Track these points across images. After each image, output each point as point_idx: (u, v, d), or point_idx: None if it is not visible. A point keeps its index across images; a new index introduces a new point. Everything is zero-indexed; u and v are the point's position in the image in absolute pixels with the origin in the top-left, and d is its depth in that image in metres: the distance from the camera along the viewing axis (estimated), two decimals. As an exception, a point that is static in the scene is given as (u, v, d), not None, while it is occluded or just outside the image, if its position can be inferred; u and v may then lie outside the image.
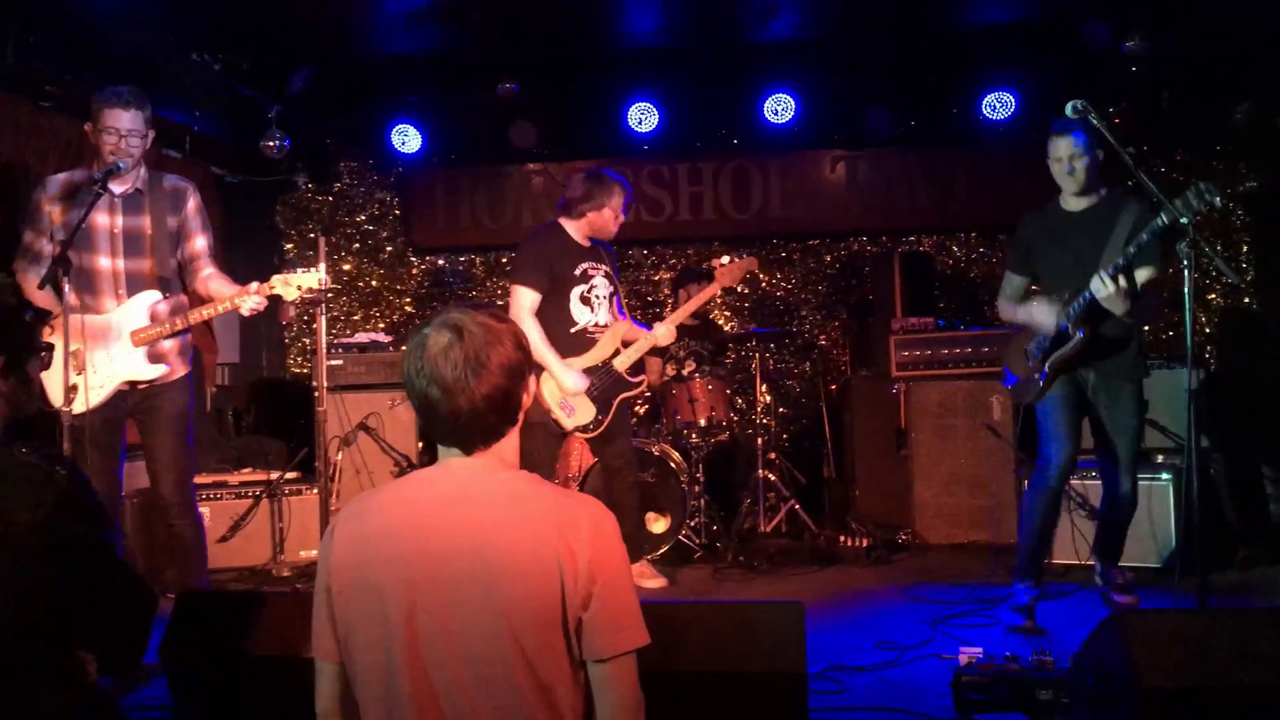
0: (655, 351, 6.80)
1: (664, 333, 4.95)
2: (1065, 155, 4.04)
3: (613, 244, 7.15)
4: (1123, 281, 3.76)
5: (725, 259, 5.10)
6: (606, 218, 4.81)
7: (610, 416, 4.82)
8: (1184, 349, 3.19)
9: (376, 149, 7.58)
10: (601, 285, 4.86)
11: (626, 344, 4.93)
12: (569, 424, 4.75)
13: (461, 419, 1.76)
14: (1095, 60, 6.30)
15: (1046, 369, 4.10)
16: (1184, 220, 3.32)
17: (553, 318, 4.74)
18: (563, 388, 4.69)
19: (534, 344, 4.40)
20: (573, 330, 4.78)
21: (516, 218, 7.55)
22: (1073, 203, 4.16)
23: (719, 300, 7.77)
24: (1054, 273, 4.20)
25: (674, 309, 6.98)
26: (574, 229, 4.84)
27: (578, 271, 4.79)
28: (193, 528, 4.19)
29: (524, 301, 4.70)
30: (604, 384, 4.80)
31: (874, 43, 6.67)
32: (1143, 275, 3.95)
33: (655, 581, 5.09)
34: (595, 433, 4.83)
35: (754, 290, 7.81)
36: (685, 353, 6.51)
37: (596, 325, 4.85)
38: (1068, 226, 4.15)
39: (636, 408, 6.63)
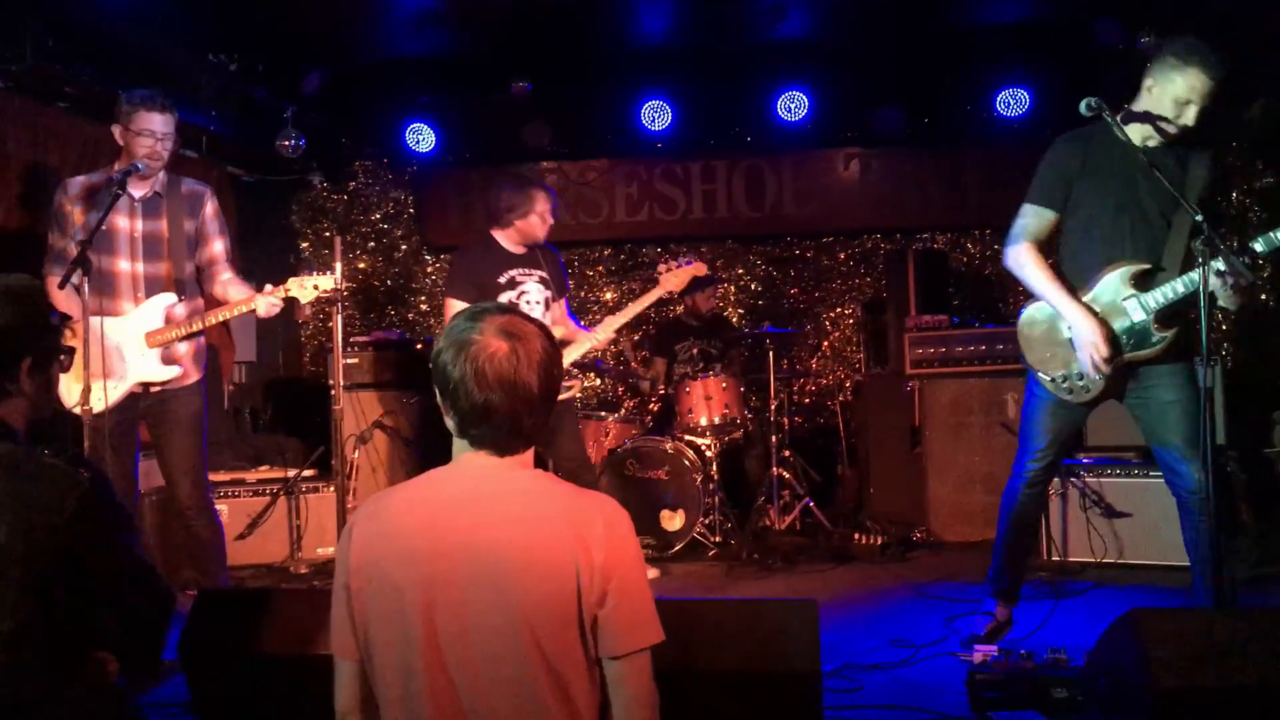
0: (661, 351, 6.84)
1: (602, 337, 5.05)
2: (1201, 98, 3.31)
3: (628, 241, 7.15)
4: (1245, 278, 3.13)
5: (674, 263, 5.17)
6: (534, 223, 4.91)
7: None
8: (1200, 347, 3.14)
9: (391, 148, 7.61)
10: (534, 290, 4.95)
11: (565, 345, 4.97)
12: None
13: (521, 421, 1.79)
14: (1109, 57, 6.27)
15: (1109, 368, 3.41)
16: (1198, 217, 3.20)
17: None
18: None
19: None
20: None
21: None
22: (1137, 135, 3.41)
23: (732, 297, 7.78)
24: (1112, 224, 3.45)
25: (684, 312, 6.99)
26: (504, 238, 4.96)
27: (503, 279, 4.89)
28: (211, 529, 4.22)
29: (453, 313, 4.79)
30: None
31: (887, 40, 6.66)
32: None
33: (650, 571, 5.11)
34: None
35: (768, 288, 7.81)
36: (696, 351, 6.53)
37: None
38: (1136, 166, 3.37)
39: (651, 405, 6.65)
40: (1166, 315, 3.39)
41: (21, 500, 1.80)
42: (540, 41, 6.59)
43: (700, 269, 5.22)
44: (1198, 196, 3.34)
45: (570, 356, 4.99)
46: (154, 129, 3.94)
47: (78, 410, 3.65)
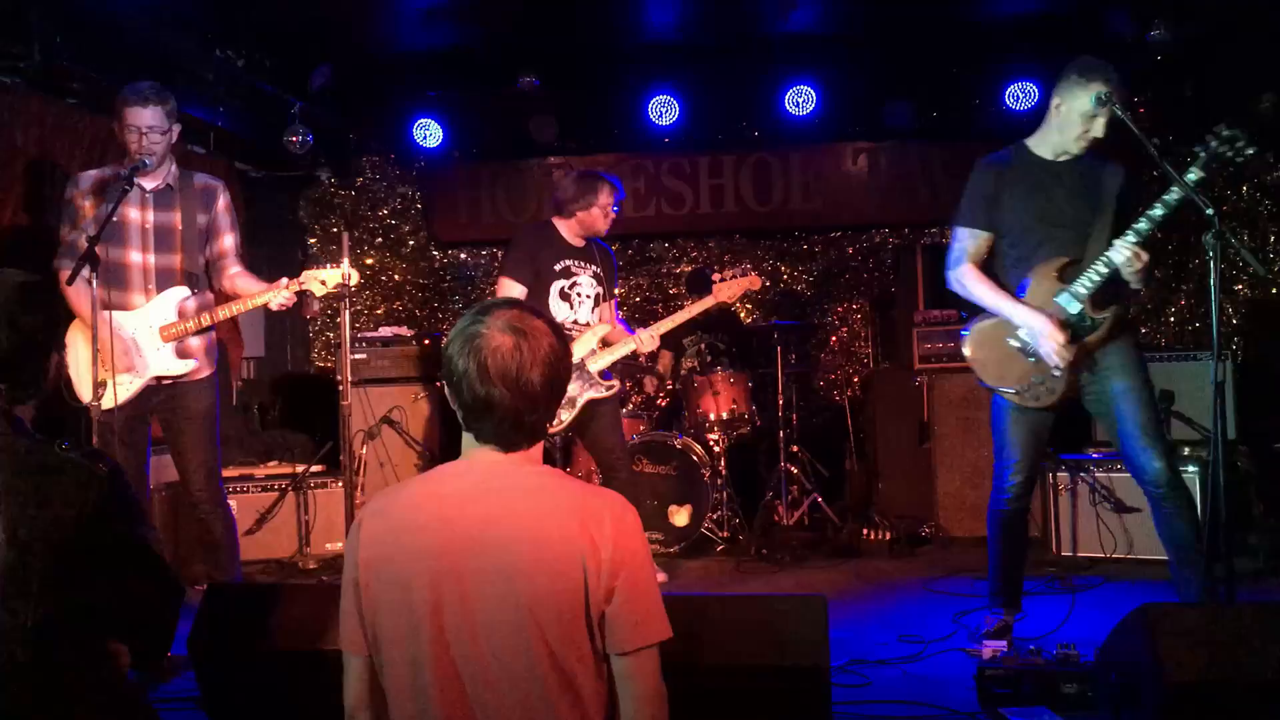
0: (667, 344, 6.83)
1: (646, 340, 4.94)
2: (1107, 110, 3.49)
3: (636, 236, 7.14)
4: (1145, 254, 3.40)
5: (729, 273, 5.10)
6: (595, 215, 4.87)
7: (576, 415, 4.82)
8: (1210, 340, 3.15)
9: (398, 144, 7.60)
10: (586, 284, 4.92)
11: (608, 345, 4.94)
12: None
13: (523, 417, 1.78)
14: (1119, 50, 6.24)
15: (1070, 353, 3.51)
16: (1209, 211, 3.25)
17: None
18: None
19: None
20: None
21: (537, 211, 7.53)
22: (1050, 152, 3.67)
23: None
24: (1037, 233, 3.63)
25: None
26: (565, 228, 4.92)
27: (558, 267, 4.86)
28: (224, 523, 4.23)
29: (506, 291, 4.81)
30: (573, 383, 4.81)
31: (895, 34, 6.64)
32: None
33: (658, 575, 5.10)
34: (559, 429, 4.85)
35: (775, 283, 7.80)
36: (704, 346, 6.52)
37: (574, 323, 4.89)
38: (1049, 177, 3.64)
39: (659, 401, 6.65)
40: (1099, 298, 3.50)
41: (44, 494, 1.82)
42: (548, 36, 6.58)
43: (755, 282, 5.12)
44: (1114, 203, 3.54)
45: (612, 356, 4.92)
46: (138, 124, 3.91)
47: (91, 404, 3.66)
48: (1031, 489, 3.79)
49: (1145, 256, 3.40)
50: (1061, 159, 3.66)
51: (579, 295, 4.90)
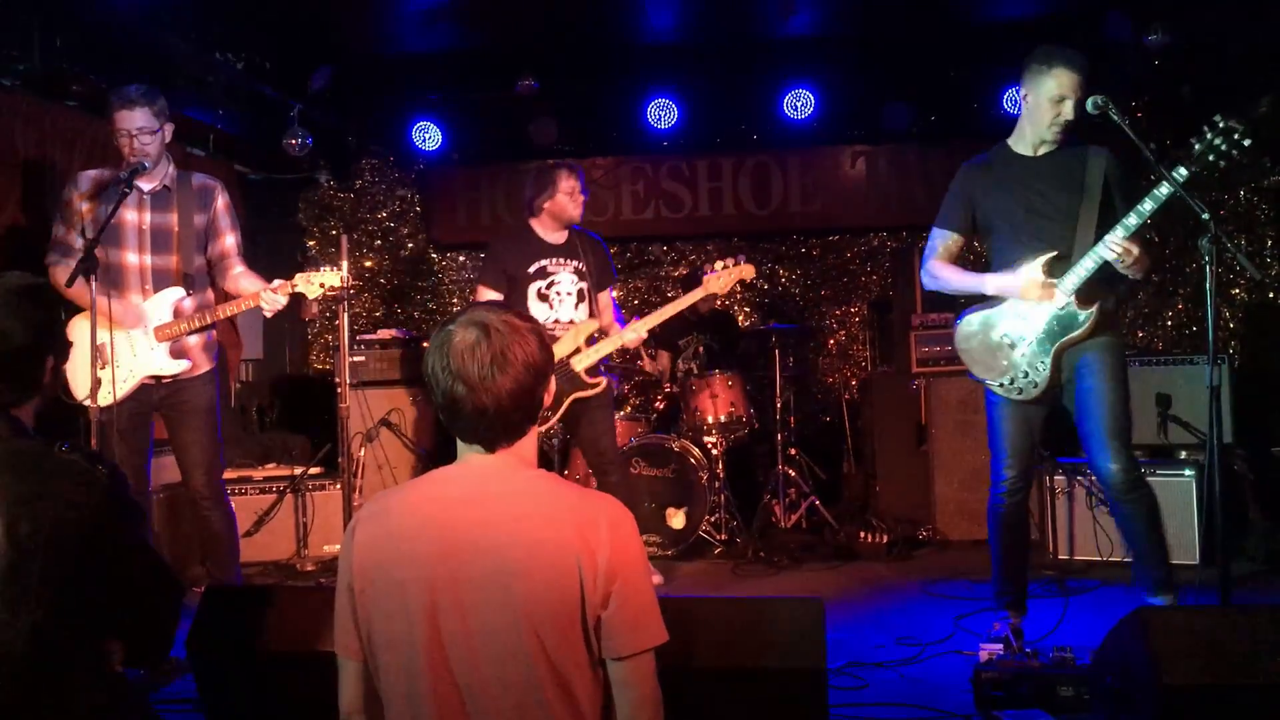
0: (667, 346, 6.84)
1: (631, 336, 4.89)
2: (1071, 90, 3.51)
3: (634, 239, 7.13)
4: (1137, 247, 3.39)
5: (719, 264, 4.92)
6: (562, 203, 4.85)
7: (561, 415, 4.79)
8: (1206, 344, 3.16)
9: (397, 146, 7.62)
10: (566, 281, 4.91)
11: (595, 342, 4.92)
12: None
13: (486, 416, 1.78)
14: (1116, 54, 6.26)
15: (1047, 359, 3.58)
16: (1205, 215, 3.26)
17: None
18: None
19: None
20: None
21: (536, 214, 7.55)
22: (1029, 147, 3.68)
23: (738, 295, 7.77)
24: (1022, 228, 3.64)
25: (689, 312, 6.98)
26: (540, 226, 4.93)
27: (533, 268, 4.86)
28: (225, 520, 4.23)
29: (480, 299, 4.85)
30: (557, 382, 4.79)
31: (894, 38, 6.65)
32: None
33: (654, 577, 5.09)
34: (544, 428, 4.86)
35: (774, 286, 7.81)
36: (702, 349, 6.53)
37: (556, 322, 4.88)
38: (1028, 175, 3.65)
39: (656, 403, 6.65)
40: (1085, 294, 3.52)
41: (44, 495, 1.83)
42: (547, 39, 6.60)
43: (748, 270, 4.93)
44: (1100, 189, 3.53)
45: (597, 354, 4.86)
46: (128, 127, 3.92)
47: (87, 403, 3.67)
48: (1028, 484, 3.80)
49: (1136, 250, 3.39)
50: (1041, 152, 3.66)
51: (558, 294, 4.89)
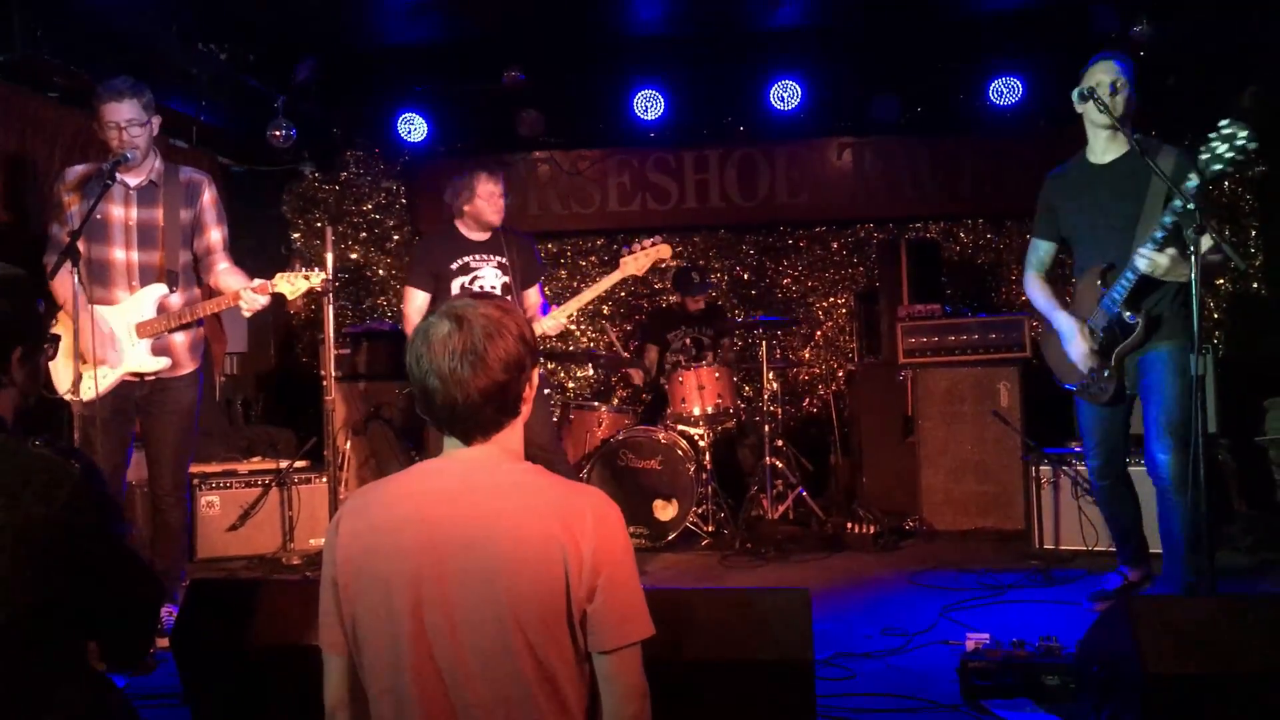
0: (654, 339, 6.83)
1: (551, 325, 4.89)
2: (1110, 78, 3.70)
3: (621, 231, 7.12)
4: (1171, 250, 3.49)
5: (637, 246, 4.99)
6: (480, 206, 4.88)
7: None
8: (1191, 335, 3.19)
9: (383, 138, 7.58)
10: (490, 275, 4.94)
11: None
12: None
13: (458, 410, 1.77)
14: (1103, 45, 6.27)
15: (1110, 366, 3.81)
16: (1191, 206, 3.31)
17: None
18: None
19: None
20: None
21: (523, 206, 7.53)
22: (1100, 154, 3.86)
23: (725, 287, 7.77)
24: (1088, 237, 3.88)
25: (678, 309, 6.98)
26: (463, 226, 4.98)
27: (455, 265, 4.90)
28: (180, 516, 4.27)
29: (409, 301, 4.94)
30: None
31: (880, 29, 6.65)
32: (1203, 239, 3.36)
33: None
34: None
35: (760, 278, 7.81)
36: (689, 340, 6.53)
37: None
38: (1097, 182, 3.84)
39: (643, 395, 6.65)
40: (1135, 302, 3.69)
41: (13, 491, 1.79)
42: (533, 30, 6.57)
43: (664, 251, 4.98)
44: (1167, 190, 3.53)
45: None
46: (116, 119, 3.91)
47: (69, 397, 3.64)
48: (1115, 472, 4.07)
49: (1164, 261, 3.51)
50: (1109, 159, 3.84)
51: (481, 289, 4.90)
